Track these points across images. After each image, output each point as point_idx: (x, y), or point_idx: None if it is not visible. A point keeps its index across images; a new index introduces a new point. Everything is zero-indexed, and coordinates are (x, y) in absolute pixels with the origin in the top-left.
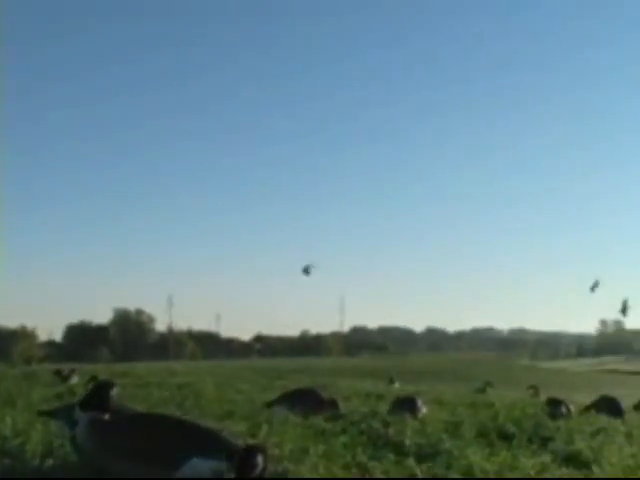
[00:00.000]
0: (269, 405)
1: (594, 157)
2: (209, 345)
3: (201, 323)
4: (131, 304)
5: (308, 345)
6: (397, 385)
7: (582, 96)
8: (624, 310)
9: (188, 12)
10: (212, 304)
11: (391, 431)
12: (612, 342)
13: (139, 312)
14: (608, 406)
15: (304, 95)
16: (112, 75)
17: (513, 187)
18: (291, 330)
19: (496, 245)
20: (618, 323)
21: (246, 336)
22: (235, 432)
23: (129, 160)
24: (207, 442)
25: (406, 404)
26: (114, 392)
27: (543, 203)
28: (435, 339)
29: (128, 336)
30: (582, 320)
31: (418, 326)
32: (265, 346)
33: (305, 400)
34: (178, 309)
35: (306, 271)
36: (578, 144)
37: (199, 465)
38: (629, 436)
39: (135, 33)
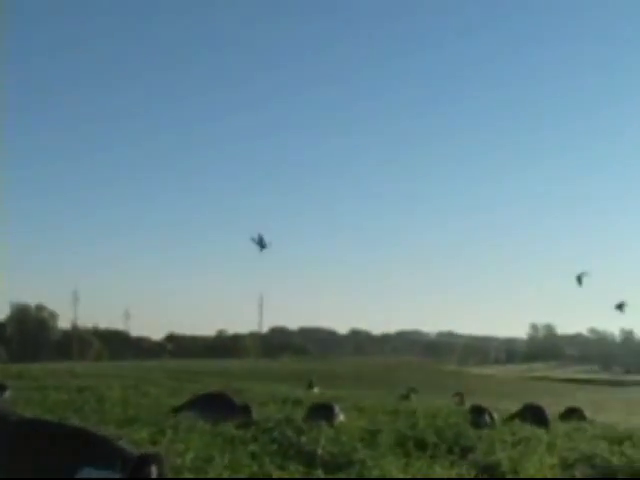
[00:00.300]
0: (176, 410)
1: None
2: (117, 344)
3: (108, 320)
4: (31, 299)
5: (224, 346)
6: (316, 390)
7: None
8: (621, 306)
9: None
10: (120, 300)
11: (304, 439)
12: (543, 347)
13: (40, 308)
14: (533, 415)
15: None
16: None
17: (446, 190)
18: (206, 329)
19: (424, 245)
20: (549, 327)
21: (157, 335)
22: (135, 440)
23: (32, 152)
24: (100, 451)
25: (323, 411)
26: (6, 395)
27: (471, 207)
28: (359, 342)
29: (27, 334)
30: (512, 324)
31: (341, 328)
32: (178, 346)
33: (215, 405)
34: (83, 305)
35: (260, 243)
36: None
37: (91, 475)
38: (551, 446)
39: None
